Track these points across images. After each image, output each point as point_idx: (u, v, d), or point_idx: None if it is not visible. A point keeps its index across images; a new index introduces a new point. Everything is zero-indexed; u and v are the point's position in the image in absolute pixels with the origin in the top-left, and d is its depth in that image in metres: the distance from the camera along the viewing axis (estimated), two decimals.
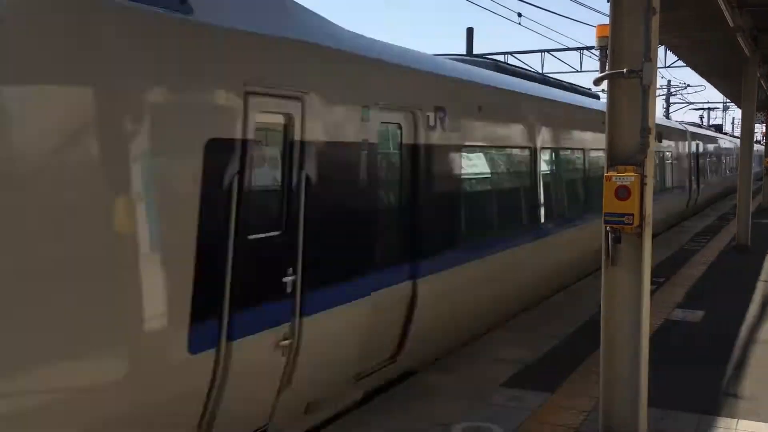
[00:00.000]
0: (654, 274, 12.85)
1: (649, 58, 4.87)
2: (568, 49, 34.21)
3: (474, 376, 7.12)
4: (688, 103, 47.62)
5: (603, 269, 5.19)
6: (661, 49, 33.72)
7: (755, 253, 15.31)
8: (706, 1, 10.09)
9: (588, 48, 34.19)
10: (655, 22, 4.96)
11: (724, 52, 15.48)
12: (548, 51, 35.89)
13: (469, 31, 32.95)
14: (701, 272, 13.10)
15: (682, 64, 32.87)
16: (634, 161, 4.96)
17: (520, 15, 17.36)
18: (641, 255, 5.04)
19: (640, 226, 4.97)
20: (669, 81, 46.41)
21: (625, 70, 4.90)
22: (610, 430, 5.23)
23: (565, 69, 34.19)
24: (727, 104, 61.80)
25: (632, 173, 4.91)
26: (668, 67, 32.84)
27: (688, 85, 42.38)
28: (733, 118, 66.75)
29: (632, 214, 4.88)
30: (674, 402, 6.33)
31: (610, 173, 4.96)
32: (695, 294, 11.18)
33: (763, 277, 12.56)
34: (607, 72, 5.03)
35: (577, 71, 34.35)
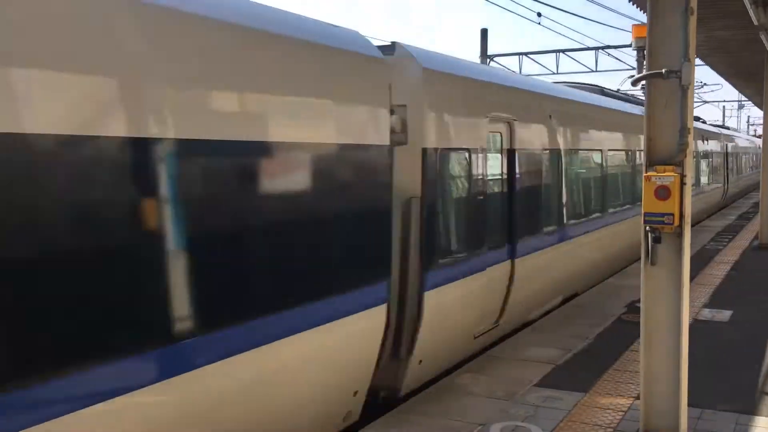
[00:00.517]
0: None
1: (688, 58, 4.89)
2: (584, 49, 34.11)
3: (505, 377, 7.14)
4: (703, 101, 47.32)
5: (642, 269, 5.20)
6: None
7: None
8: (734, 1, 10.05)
9: (603, 48, 34.13)
10: (693, 22, 4.97)
11: (745, 51, 15.40)
12: (563, 51, 35.86)
13: (484, 32, 33.05)
14: (725, 272, 13.05)
15: (700, 62, 32.79)
16: (674, 161, 4.97)
17: (539, 15, 17.33)
18: (681, 255, 5.05)
19: (680, 225, 4.98)
20: None
21: (664, 70, 4.91)
22: (650, 429, 5.24)
23: (581, 69, 33.82)
24: (743, 103, 61.45)
25: (672, 173, 4.92)
26: None
27: (704, 84, 42.08)
28: (748, 117, 66.22)
29: (672, 214, 4.89)
30: (711, 401, 6.33)
31: (649, 173, 4.97)
32: (721, 294, 11.14)
33: None
34: (645, 73, 5.04)
35: (593, 71, 34.29)
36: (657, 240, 4.99)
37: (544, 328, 9.12)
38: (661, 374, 5.18)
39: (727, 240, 17.51)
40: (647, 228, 5.02)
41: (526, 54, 35.54)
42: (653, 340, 5.21)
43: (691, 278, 12.30)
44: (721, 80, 54.86)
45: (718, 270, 13.24)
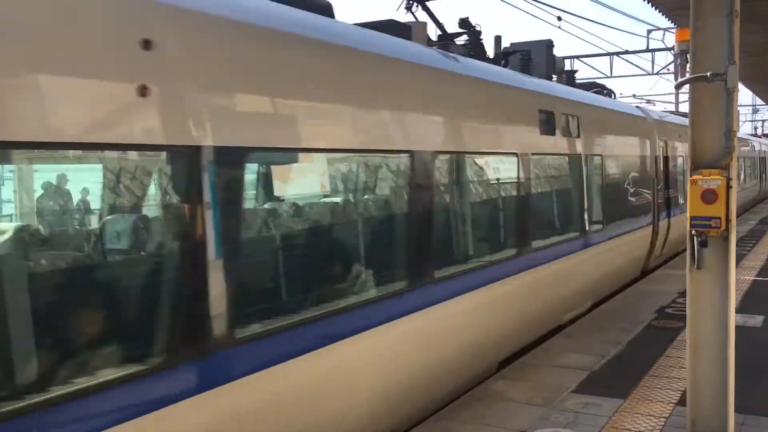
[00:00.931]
0: None
1: (733, 61, 4.86)
2: (599, 54, 34.07)
3: (541, 383, 7.10)
4: None
5: (688, 273, 5.17)
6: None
7: None
8: (757, 2, 10.00)
9: (617, 53, 34.06)
10: (737, 25, 4.95)
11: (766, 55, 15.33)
12: (577, 57, 35.81)
13: (497, 39, 33.01)
14: (752, 277, 12.95)
15: None
16: (719, 164, 4.94)
17: (559, 19, 17.34)
18: (727, 258, 5.01)
19: (726, 229, 4.95)
20: None
21: (708, 74, 4.89)
22: None
23: (595, 75, 33.72)
24: (757, 107, 61.12)
25: (718, 176, 4.89)
26: None
27: None
28: (763, 122, 65.83)
29: (719, 218, 4.86)
30: (754, 407, 6.26)
31: (695, 177, 4.95)
32: (751, 299, 11.05)
33: None
34: (689, 76, 5.02)
35: (608, 77, 34.21)
36: (703, 244, 4.95)
37: (575, 334, 9.07)
38: (708, 379, 5.14)
39: (750, 245, 17.38)
40: (693, 232, 4.99)
41: None
42: (699, 345, 5.17)
43: None
44: (739, 85, 54.29)
45: (745, 275, 13.14)
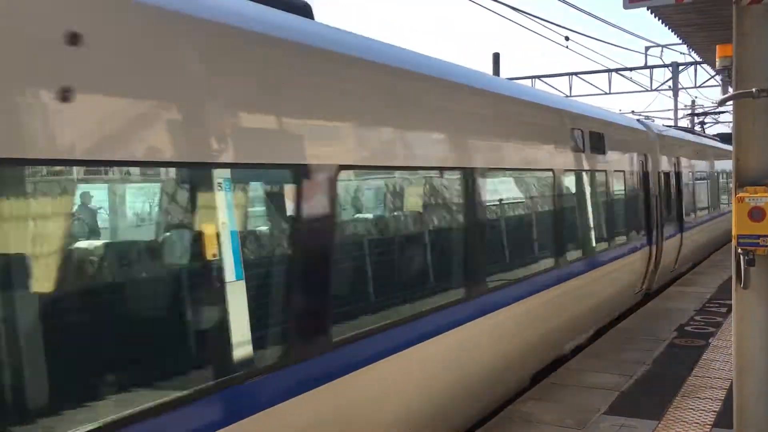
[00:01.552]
0: (720, 296, 12.66)
1: None
2: (598, 71, 34.19)
3: (571, 404, 6.97)
4: (715, 121, 47.31)
5: (734, 293, 5.07)
6: (690, 69, 33.75)
7: None
8: None
9: (616, 70, 34.22)
10: None
11: None
12: (575, 74, 35.96)
13: (496, 57, 33.13)
14: None
15: (715, 83, 32.83)
16: (766, 182, 4.86)
17: (567, 39, 17.37)
18: None
19: None
20: (693, 101, 46.22)
21: (754, 90, 4.81)
22: None
23: (594, 91, 33.91)
24: None
25: (766, 194, 4.80)
26: (700, 87, 32.73)
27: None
28: None
29: (767, 236, 4.77)
30: None
31: (741, 195, 4.86)
32: None
33: None
34: (734, 92, 4.95)
35: (607, 93, 34.32)
36: (751, 263, 4.85)
37: (597, 353, 8.95)
38: (756, 399, 5.02)
39: None
40: (740, 251, 4.89)
41: (539, 77, 35.64)
42: (746, 366, 5.06)
43: None
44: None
45: None
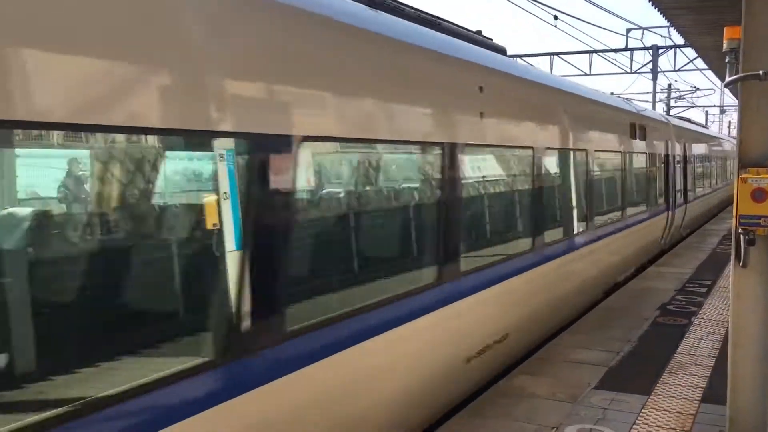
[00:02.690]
0: (699, 277, 12.89)
1: None
2: (578, 52, 34.32)
3: (562, 379, 7.09)
4: (691, 105, 47.85)
5: (732, 271, 5.17)
6: (670, 52, 34.00)
7: None
8: None
9: (597, 51, 34.35)
10: None
11: None
12: (557, 54, 36.04)
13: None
14: None
15: (693, 67, 33.14)
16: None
17: (556, 18, 17.34)
18: None
19: None
20: (670, 84, 46.61)
21: (761, 72, 4.87)
22: (736, 428, 5.21)
23: (575, 72, 33.99)
24: (724, 108, 62.10)
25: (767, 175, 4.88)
26: (678, 70, 33.01)
27: (698, 89, 42.55)
28: (729, 122, 66.97)
29: None
30: None
31: (744, 175, 4.93)
32: None
33: None
34: (741, 74, 5.00)
35: (587, 74, 34.47)
36: (751, 242, 4.95)
37: (582, 330, 9.08)
38: (749, 376, 5.15)
39: None
40: (741, 230, 4.98)
41: (521, 56, 35.65)
42: (741, 343, 5.17)
43: (714, 282, 12.40)
44: (714, 84, 55.01)
45: None
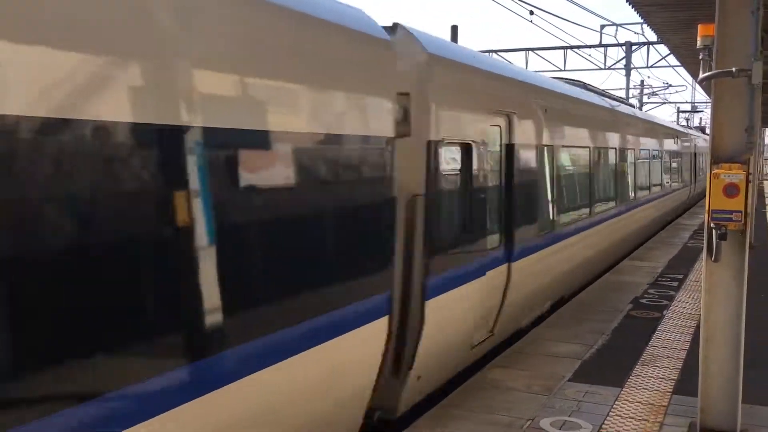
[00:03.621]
0: (671, 271, 13.08)
1: (758, 57, 4.94)
2: (553, 48, 34.55)
3: (538, 372, 7.16)
4: (663, 102, 48.39)
5: (704, 266, 5.26)
6: (643, 49, 34.36)
7: (761, 251, 15.62)
8: None
9: (572, 47, 34.60)
10: (762, 20, 5.03)
11: None
12: (532, 49, 36.23)
13: (454, 29, 33.15)
14: None
15: (666, 64, 33.51)
16: (740, 159, 5.03)
17: (532, 13, 17.44)
18: (743, 251, 5.11)
19: (744, 223, 5.04)
20: (642, 81, 47.11)
21: (734, 69, 4.95)
22: (707, 421, 5.30)
23: (549, 68, 34.16)
24: (696, 105, 62.91)
25: (740, 171, 4.97)
26: (651, 66, 33.36)
27: (670, 85, 43.07)
28: (701, 119, 67.80)
29: (740, 211, 4.95)
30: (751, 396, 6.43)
31: (717, 171, 5.02)
32: None
33: None
34: (714, 72, 5.08)
35: (562, 70, 34.72)
36: (723, 237, 5.04)
37: (557, 324, 9.18)
38: (720, 370, 5.25)
39: None
40: (713, 225, 5.07)
41: (496, 51, 35.78)
42: (712, 336, 5.27)
43: (685, 276, 12.59)
44: (686, 81, 55.70)
45: None
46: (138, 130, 3.12)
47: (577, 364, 7.46)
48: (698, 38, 5.09)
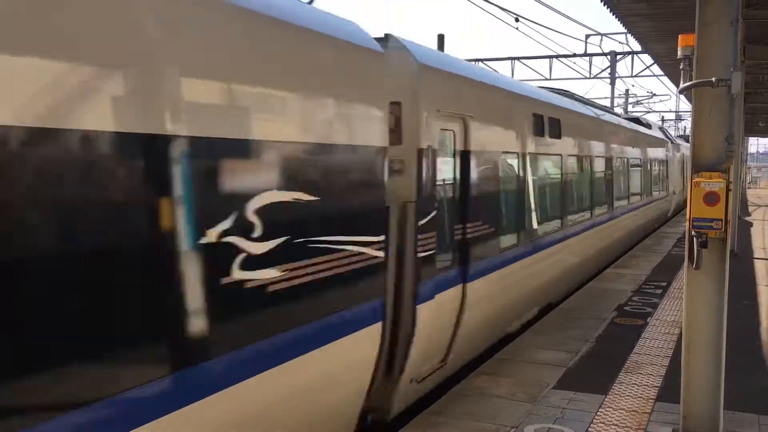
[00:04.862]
0: (654, 279, 13.17)
1: (738, 67, 5.01)
2: (538, 57, 34.77)
3: (522, 379, 7.19)
4: (647, 111, 48.78)
5: (685, 273, 5.30)
6: (627, 58, 34.66)
7: (743, 258, 15.76)
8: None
9: (557, 56, 34.85)
10: (740, 31, 5.09)
11: None
12: (517, 58, 36.46)
13: (440, 38, 33.28)
14: None
15: (650, 73, 33.81)
16: (720, 168, 5.09)
17: (517, 20, 17.56)
18: (724, 259, 5.17)
19: (725, 231, 5.10)
20: (627, 90, 47.48)
21: (714, 79, 5.01)
22: (690, 430, 5.34)
23: (535, 76, 34.41)
24: (681, 114, 63.49)
25: (720, 179, 5.03)
26: (636, 76, 33.63)
27: (654, 94, 43.46)
28: (685, 128, 68.36)
29: (720, 219, 5.00)
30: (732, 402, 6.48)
31: (697, 179, 5.07)
32: None
33: (762, 282, 12.97)
34: (694, 81, 5.14)
35: (547, 78, 34.95)
36: (703, 245, 5.09)
37: (543, 331, 9.22)
38: (701, 376, 5.29)
39: None
40: (693, 233, 5.12)
41: (482, 60, 35.97)
42: (694, 343, 5.31)
43: (669, 283, 12.68)
44: (670, 90, 55.79)
45: None
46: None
47: (561, 371, 7.49)
48: (678, 48, 5.15)
